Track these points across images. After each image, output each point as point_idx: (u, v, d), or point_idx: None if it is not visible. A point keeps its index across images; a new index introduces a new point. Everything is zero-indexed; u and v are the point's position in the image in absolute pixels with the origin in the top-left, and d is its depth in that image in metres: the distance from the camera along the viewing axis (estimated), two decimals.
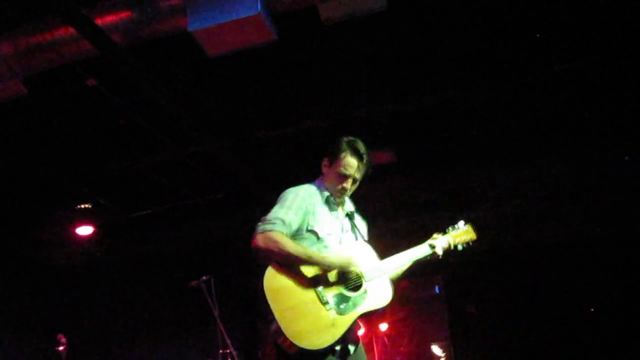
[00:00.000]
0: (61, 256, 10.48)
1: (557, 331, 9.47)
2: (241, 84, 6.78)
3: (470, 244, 4.16)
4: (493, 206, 9.36)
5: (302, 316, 3.48)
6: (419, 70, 6.66)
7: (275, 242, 3.57)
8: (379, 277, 3.71)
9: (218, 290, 6.88)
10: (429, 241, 4.05)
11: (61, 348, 7.56)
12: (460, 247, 4.13)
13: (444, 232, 4.16)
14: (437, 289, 11.58)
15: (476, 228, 4.19)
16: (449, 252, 4.08)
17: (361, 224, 4.13)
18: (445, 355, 11.67)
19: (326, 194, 3.90)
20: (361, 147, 3.88)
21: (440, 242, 4.04)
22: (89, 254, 10.72)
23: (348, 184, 3.86)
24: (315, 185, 3.96)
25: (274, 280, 3.55)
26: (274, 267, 3.58)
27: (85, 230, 9.37)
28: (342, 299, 3.57)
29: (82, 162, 8.12)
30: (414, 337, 12.07)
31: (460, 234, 4.14)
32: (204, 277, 6.85)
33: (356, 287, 3.63)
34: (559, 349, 9.39)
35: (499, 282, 10.15)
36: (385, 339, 12.09)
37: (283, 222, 3.64)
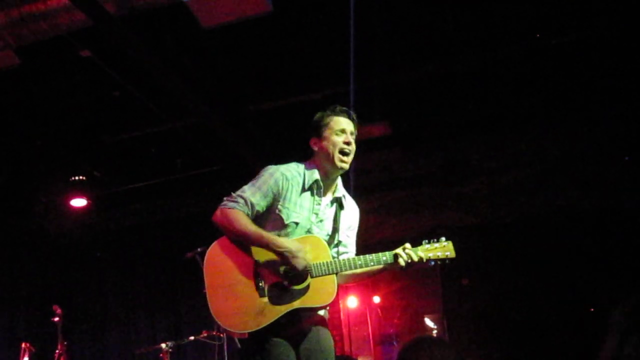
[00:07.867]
0: (56, 228, 10.49)
1: (551, 304, 9.50)
2: (235, 57, 6.75)
3: (447, 262, 3.73)
4: (487, 179, 9.37)
5: (231, 296, 3.47)
6: (413, 41, 6.63)
7: (230, 219, 3.53)
8: (327, 275, 3.52)
9: None
10: (396, 250, 3.63)
11: (56, 319, 7.59)
12: (432, 263, 3.70)
13: (419, 244, 3.71)
14: (431, 262, 11.60)
15: (457, 248, 3.75)
16: (415, 264, 3.65)
17: (350, 213, 3.89)
18: (438, 328, 11.75)
19: (315, 176, 3.68)
20: (342, 107, 3.77)
21: (407, 254, 3.62)
22: (83, 226, 10.73)
23: (348, 139, 3.67)
24: (305, 166, 3.76)
25: (217, 255, 3.56)
26: (221, 242, 3.58)
27: (79, 202, 9.36)
28: (280, 289, 3.47)
29: (76, 134, 8.10)
30: (408, 309, 12.12)
31: (436, 248, 3.71)
32: (199, 249, 6.85)
33: (299, 281, 3.49)
34: (553, 322, 9.42)
35: (493, 255, 10.14)
36: (379, 311, 12.15)
37: (246, 202, 3.58)
